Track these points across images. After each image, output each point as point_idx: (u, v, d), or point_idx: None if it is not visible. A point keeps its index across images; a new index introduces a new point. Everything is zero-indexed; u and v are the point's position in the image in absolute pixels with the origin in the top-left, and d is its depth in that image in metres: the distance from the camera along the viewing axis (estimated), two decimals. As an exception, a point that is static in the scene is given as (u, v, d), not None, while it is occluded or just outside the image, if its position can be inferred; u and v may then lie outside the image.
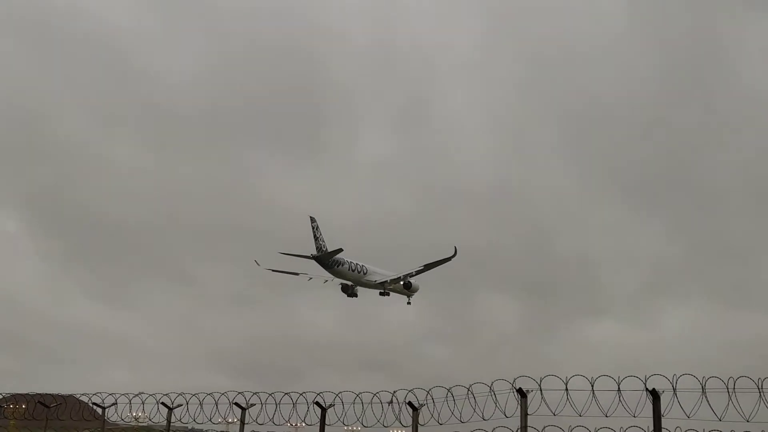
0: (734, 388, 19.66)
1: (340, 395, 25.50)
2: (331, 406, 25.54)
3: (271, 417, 26.46)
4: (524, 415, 22.40)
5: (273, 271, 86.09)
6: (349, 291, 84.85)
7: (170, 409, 28.78)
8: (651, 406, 20.62)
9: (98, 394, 30.53)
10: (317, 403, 25.65)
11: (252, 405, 27.06)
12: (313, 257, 79.59)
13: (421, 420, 23.86)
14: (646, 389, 20.91)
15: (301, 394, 26.04)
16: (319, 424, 25.48)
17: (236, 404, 27.24)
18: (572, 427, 21.53)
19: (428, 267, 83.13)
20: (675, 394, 20.37)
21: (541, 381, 22.26)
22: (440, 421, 23.69)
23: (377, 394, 24.83)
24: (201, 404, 27.89)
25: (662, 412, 20.54)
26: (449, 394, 23.48)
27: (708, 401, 19.97)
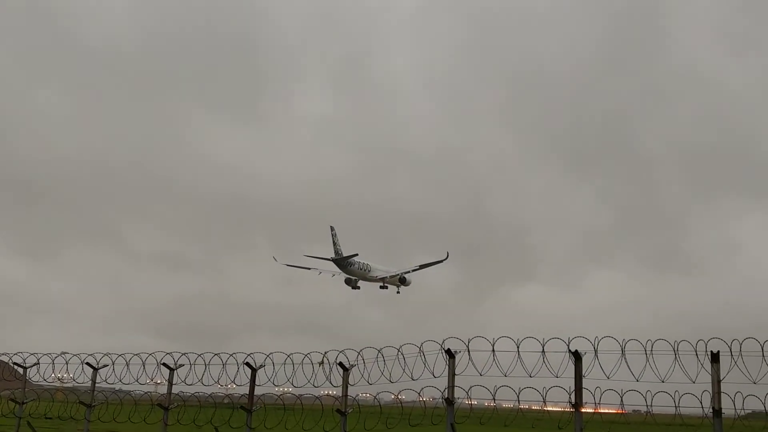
0: (651, 351, 20.14)
1: (270, 356, 25.04)
2: (261, 366, 25.09)
3: (200, 378, 25.86)
4: (452, 375, 22.55)
5: (288, 266, 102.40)
6: (352, 284, 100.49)
7: (95, 370, 27.75)
8: (573, 366, 20.97)
9: (19, 354, 29.20)
10: (247, 364, 25.16)
11: (180, 365, 26.33)
12: (332, 259, 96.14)
13: (351, 380, 23.74)
14: (569, 351, 21.22)
15: (231, 355, 25.47)
16: (249, 384, 25.06)
17: (164, 365, 26.46)
18: (498, 386, 21.84)
19: (422, 267, 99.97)
20: (596, 355, 20.77)
21: (469, 342, 22.35)
22: (370, 381, 23.63)
23: (308, 355, 24.49)
24: (128, 364, 26.98)
25: (583, 373, 20.95)
26: (379, 354, 23.37)
27: (627, 363, 20.45)
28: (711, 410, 19.57)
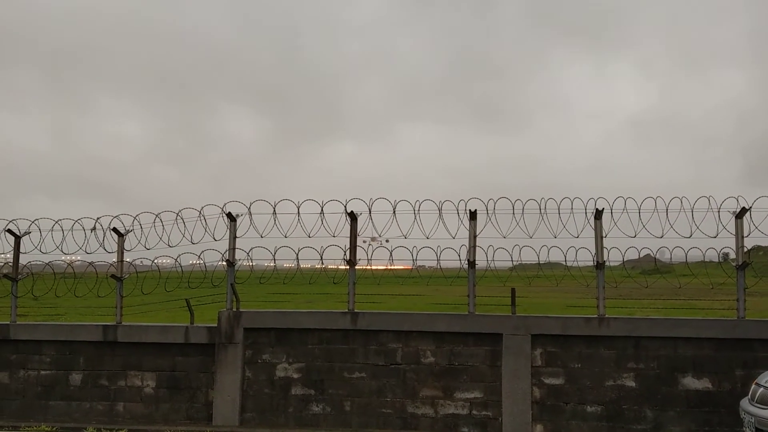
0: (419, 210, 21.01)
1: (36, 222, 22.67)
2: (26, 233, 22.69)
3: (-47, 247, 22.91)
4: (233, 237, 22.02)
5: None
6: None
7: None
8: (349, 226, 21.43)
9: None
10: (9, 231, 22.61)
11: (-70, 235, 23.03)
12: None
13: (127, 246, 22.43)
14: (345, 212, 21.48)
15: (-12, 223, 22.63)
16: (13, 252, 22.74)
17: None
18: (278, 246, 21.87)
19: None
20: (370, 215, 21.31)
21: (250, 205, 21.76)
22: (147, 246, 22.60)
23: (79, 221, 22.50)
24: None
25: (358, 231, 21.56)
26: (157, 219, 22.11)
27: (397, 221, 21.28)
28: (467, 262, 21.38)
